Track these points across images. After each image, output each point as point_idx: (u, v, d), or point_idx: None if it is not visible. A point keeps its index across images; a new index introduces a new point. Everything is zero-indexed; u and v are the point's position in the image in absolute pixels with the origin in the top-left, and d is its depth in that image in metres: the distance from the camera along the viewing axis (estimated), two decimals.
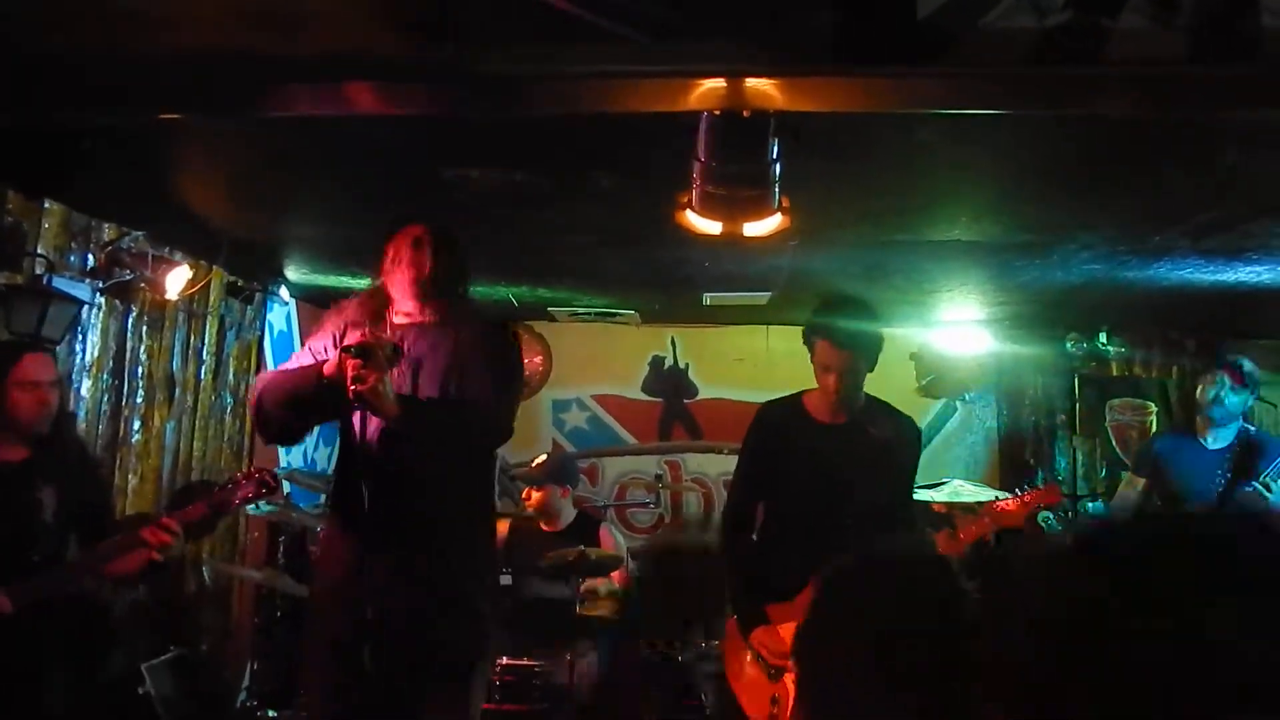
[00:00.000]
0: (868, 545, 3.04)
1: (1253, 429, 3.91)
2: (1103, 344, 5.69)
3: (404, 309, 2.75)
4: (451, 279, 2.76)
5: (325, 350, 2.71)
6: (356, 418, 2.64)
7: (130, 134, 2.91)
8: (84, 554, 2.86)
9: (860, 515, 3.02)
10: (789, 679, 2.96)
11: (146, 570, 2.88)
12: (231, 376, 4.89)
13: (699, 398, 6.24)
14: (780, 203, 2.17)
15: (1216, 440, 3.82)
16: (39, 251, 3.54)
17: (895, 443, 3.13)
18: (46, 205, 3.58)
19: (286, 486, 4.90)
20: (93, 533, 2.90)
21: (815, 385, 3.16)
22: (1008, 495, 3.46)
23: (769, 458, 3.20)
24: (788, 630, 3.01)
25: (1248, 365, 3.86)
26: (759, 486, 3.23)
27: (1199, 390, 3.92)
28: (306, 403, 2.57)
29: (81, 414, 3.83)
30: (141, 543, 2.74)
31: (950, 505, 5.03)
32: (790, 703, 2.96)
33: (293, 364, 2.82)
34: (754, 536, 3.24)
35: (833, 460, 3.06)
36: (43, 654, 2.80)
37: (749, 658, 3.08)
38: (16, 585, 2.64)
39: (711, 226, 2.24)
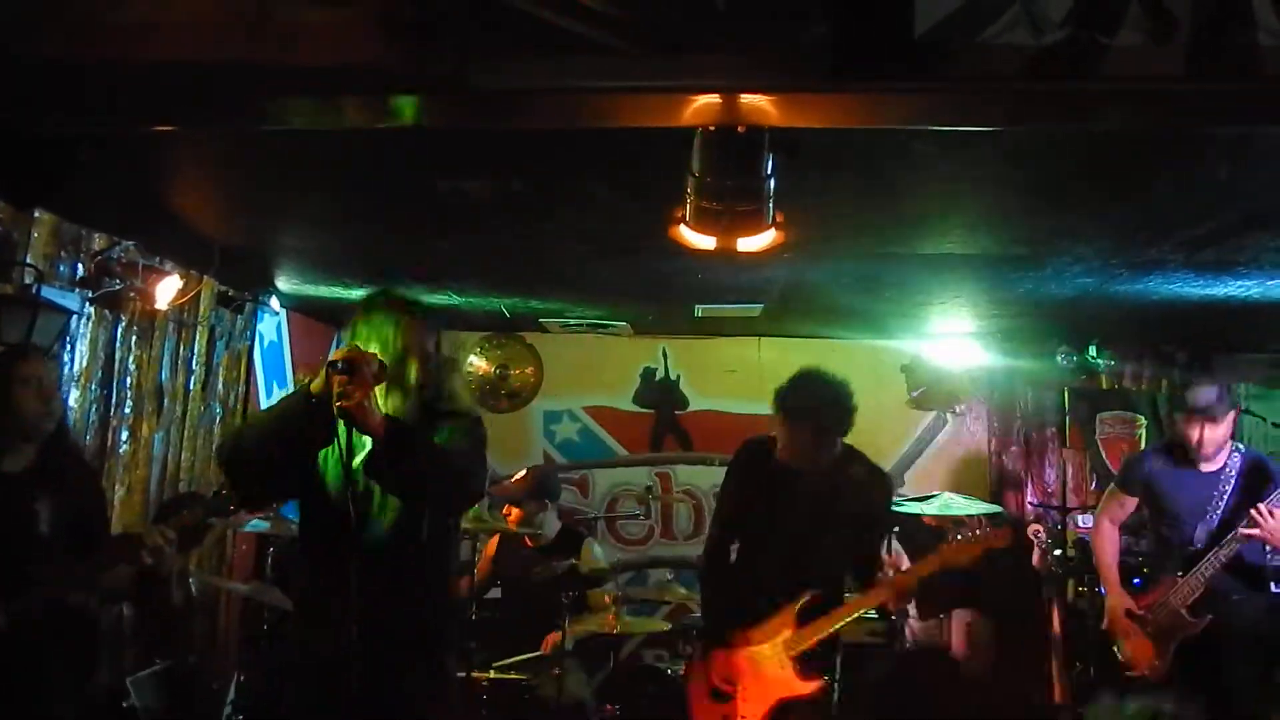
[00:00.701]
0: (828, 589, 3.15)
1: (1244, 448, 3.79)
2: (1093, 357, 5.71)
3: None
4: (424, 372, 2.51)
5: None
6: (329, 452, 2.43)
7: (121, 143, 2.89)
8: (76, 566, 2.82)
9: (824, 557, 3.18)
10: (739, 702, 3.15)
11: (138, 582, 2.85)
12: (221, 387, 4.86)
13: (690, 409, 6.23)
14: (774, 218, 2.17)
15: (1209, 462, 3.69)
16: (28, 261, 3.52)
17: (865, 491, 3.25)
18: (37, 214, 3.56)
19: None
20: (89, 545, 2.87)
21: None
22: (982, 516, 3.49)
23: (741, 497, 3.36)
24: (741, 656, 3.18)
25: (1212, 394, 3.67)
26: (731, 524, 3.39)
27: (1174, 427, 3.81)
28: (291, 426, 2.33)
29: (70, 424, 3.80)
30: (134, 555, 2.71)
31: (940, 518, 5.04)
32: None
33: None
34: (730, 571, 3.37)
35: (801, 504, 3.18)
36: (29, 667, 2.77)
37: (704, 679, 3.26)
38: (10, 599, 2.61)
39: (705, 242, 2.23)
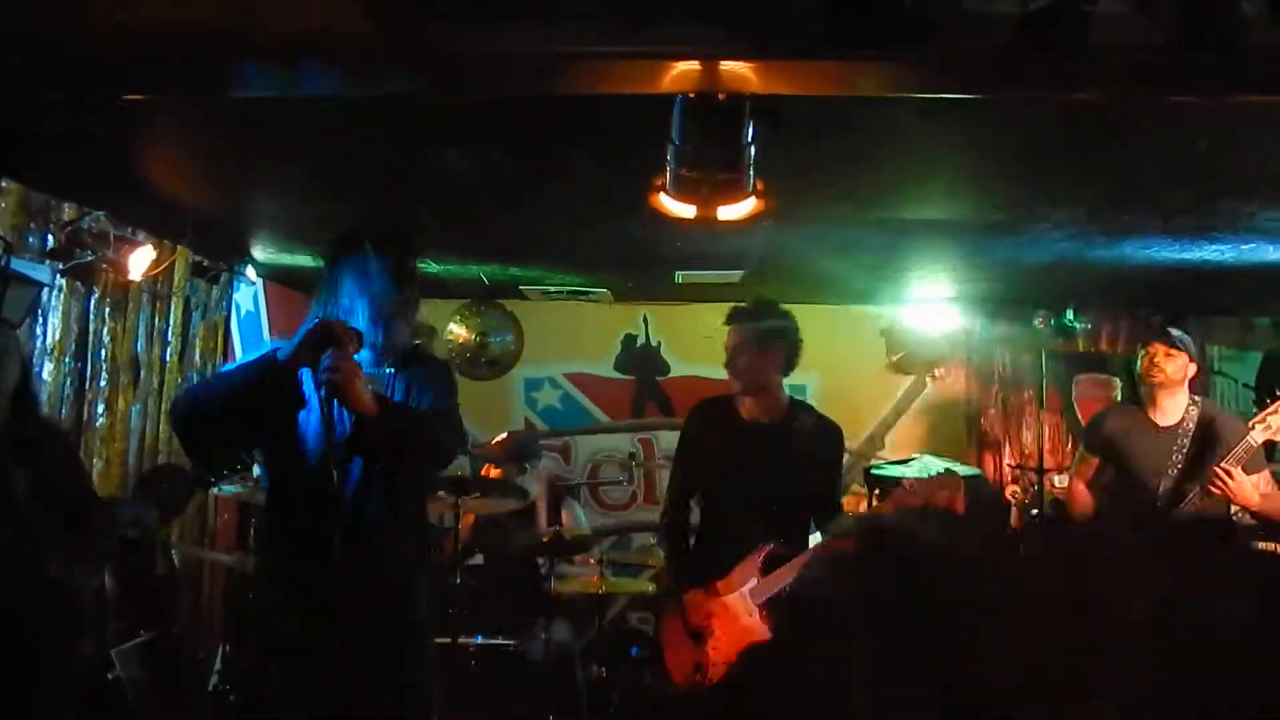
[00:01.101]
0: (791, 537, 3.24)
1: (1201, 401, 3.79)
2: (1070, 321, 5.76)
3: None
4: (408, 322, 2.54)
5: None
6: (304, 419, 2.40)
7: (90, 111, 2.83)
8: (67, 535, 2.80)
9: (785, 509, 3.28)
10: (709, 650, 3.25)
11: (123, 549, 2.84)
12: (198, 358, 4.81)
13: (671, 375, 6.24)
14: (755, 186, 2.16)
15: (1165, 416, 3.73)
16: None
17: (817, 441, 3.36)
18: (3, 184, 3.49)
19: (256, 469, 4.84)
20: (73, 514, 2.85)
21: None
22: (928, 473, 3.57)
23: (699, 453, 3.46)
24: (709, 607, 3.27)
25: (1176, 331, 3.76)
26: (690, 480, 3.48)
27: (1138, 364, 3.85)
28: (255, 395, 2.28)
29: (44, 398, 3.75)
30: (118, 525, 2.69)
31: (919, 480, 5.08)
32: (709, 669, 3.21)
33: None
34: (692, 528, 3.49)
35: (758, 456, 3.29)
36: (11, 639, 2.76)
37: (677, 625, 3.35)
38: None
39: (685, 210, 2.22)
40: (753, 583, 3.25)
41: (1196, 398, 3.79)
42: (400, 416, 2.36)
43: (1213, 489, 3.49)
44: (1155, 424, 3.73)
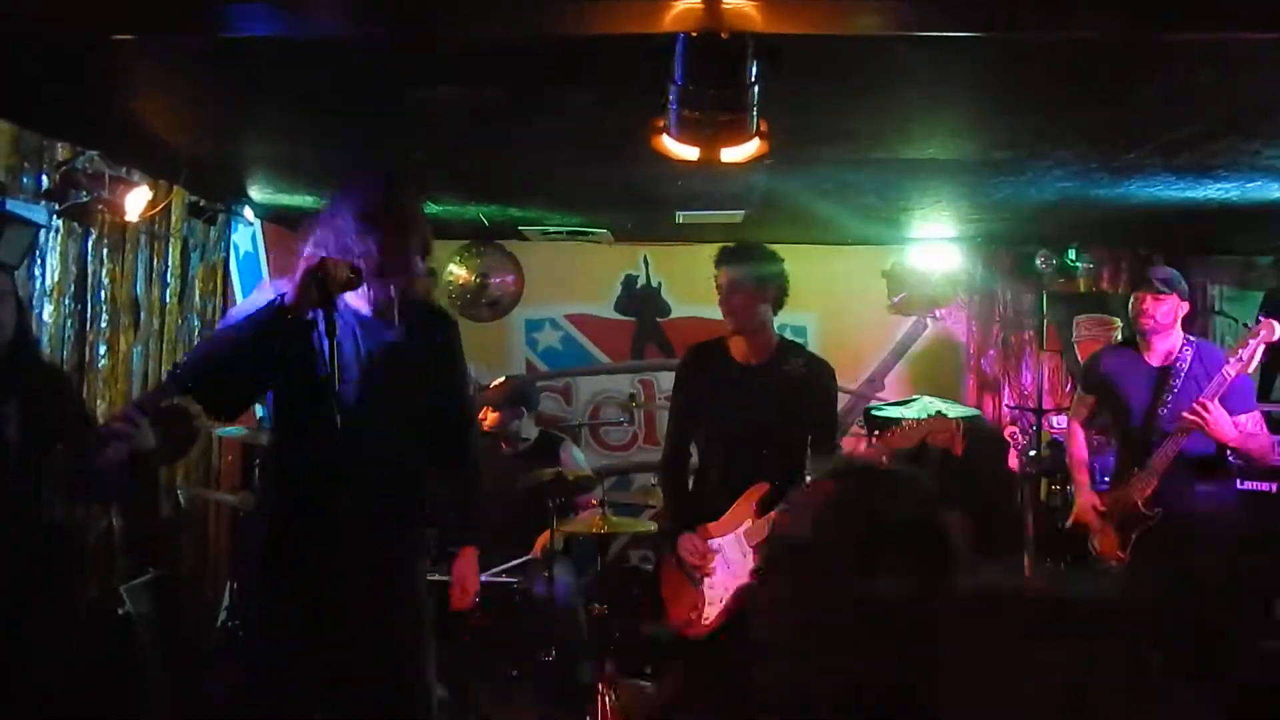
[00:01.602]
0: (786, 478, 3.24)
1: (1195, 340, 3.81)
2: (1071, 260, 5.73)
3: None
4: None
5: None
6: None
7: (80, 49, 2.79)
8: (60, 457, 2.82)
9: (779, 449, 3.29)
10: (705, 589, 3.32)
11: (129, 485, 2.86)
12: (197, 299, 4.81)
13: (672, 316, 6.24)
14: (758, 127, 2.14)
15: (1158, 356, 3.76)
16: None
17: (808, 380, 3.40)
18: None
19: (259, 409, 4.87)
20: (73, 446, 2.88)
21: (786, 310, 3.51)
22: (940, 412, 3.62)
23: (694, 397, 3.51)
24: (706, 549, 3.35)
25: (1163, 273, 3.78)
26: (687, 424, 3.53)
27: (1129, 309, 3.88)
28: (265, 342, 2.27)
29: (45, 340, 3.76)
30: (109, 436, 2.70)
31: (919, 421, 5.12)
32: (705, 609, 3.30)
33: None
34: (690, 472, 3.55)
35: (750, 397, 3.34)
36: (19, 577, 2.80)
37: (674, 567, 3.42)
38: None
39: (688, 152, 2.20)
40: (747, 524, 3.30)
41: (1191, 337, 3.81)
42: None
43: (1189, 421, 3.52)
44: (1148, 364, 3.76)
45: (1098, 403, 4.04)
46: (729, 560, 3.32)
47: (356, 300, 2.49)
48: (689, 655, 3.49)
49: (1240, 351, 3.55)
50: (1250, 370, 3.54)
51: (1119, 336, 5.96)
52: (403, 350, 2.50)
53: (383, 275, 2.42)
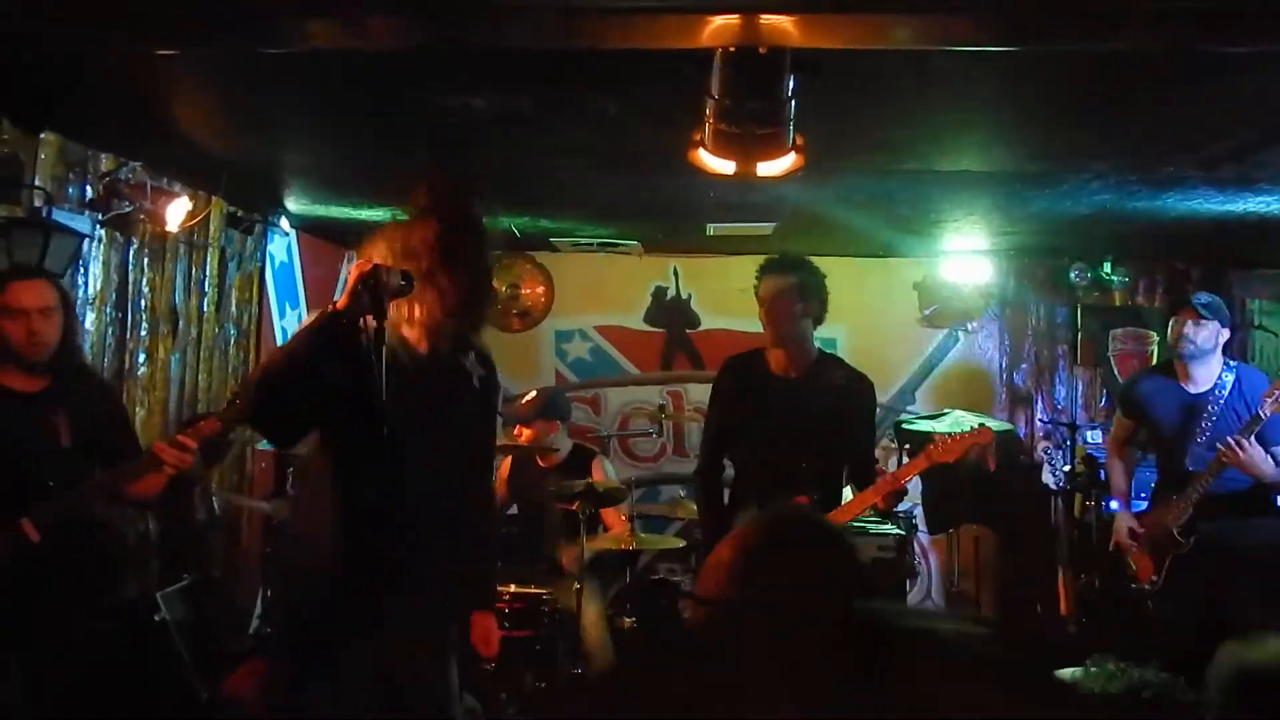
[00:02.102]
0: (824, 492, 3.27)
1: (1236, 364, 3.72)
2: (1106, 274, 5.67)
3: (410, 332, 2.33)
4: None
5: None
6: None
7: (125, 62, 2.84)
8: (102, 477, 2.89)
9: (817, 462, 3.29)
10: None
11: (166, 492, 2.91)
12: (234, 308, 4.88)
13: (701, 328, 6.24)
14: (794, 141, 2.14)
15: (1196, 384, 3.68)
16: (36, 183, 3.50)
17: (847, 394, 3.36)
18: (42, 136, 3.52)
19: None
20: (116, 456, 2.94)
21: None
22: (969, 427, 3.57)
23: (730, 410, 3.47)
24: None
25: (1205, 298, 3.68)
26: (724, 437, 3.49)
27: (1168, 332, 3.80)
28: (325, 352, 2.16)
29: (86, 347, 3.83)
30: (156, 463, 2.75)
31: (951, 435, 5.08)
32: None
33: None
34: (726, 486, 3.50)
35: (787, 410, 3.30)
36: (61, 582, 2.86)
37: None
38: (39, 512, 2.69)
39: (725, 166, 2.20)
40: None
41: (1232, 362, 3.73)
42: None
43: (1224, 459, 3.46)
44: (1185, 391, 3.69)
45: (1136, 426, 3.98)
46: None
47: (412, 333, 2.38)
48: None
49: (1277, 392, 3.45)
50: None
51: (1155, 350, 5.88)
52: (452, 389, 2.42)
53: (454, 316, 2.33)
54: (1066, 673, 2.42)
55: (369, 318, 2.13)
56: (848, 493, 3.58)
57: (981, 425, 3.40)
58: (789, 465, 3.29)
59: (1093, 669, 2.41)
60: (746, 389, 3.44)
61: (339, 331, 2.14)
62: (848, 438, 3.36)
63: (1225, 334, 3.68)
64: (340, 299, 2.16)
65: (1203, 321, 3.60)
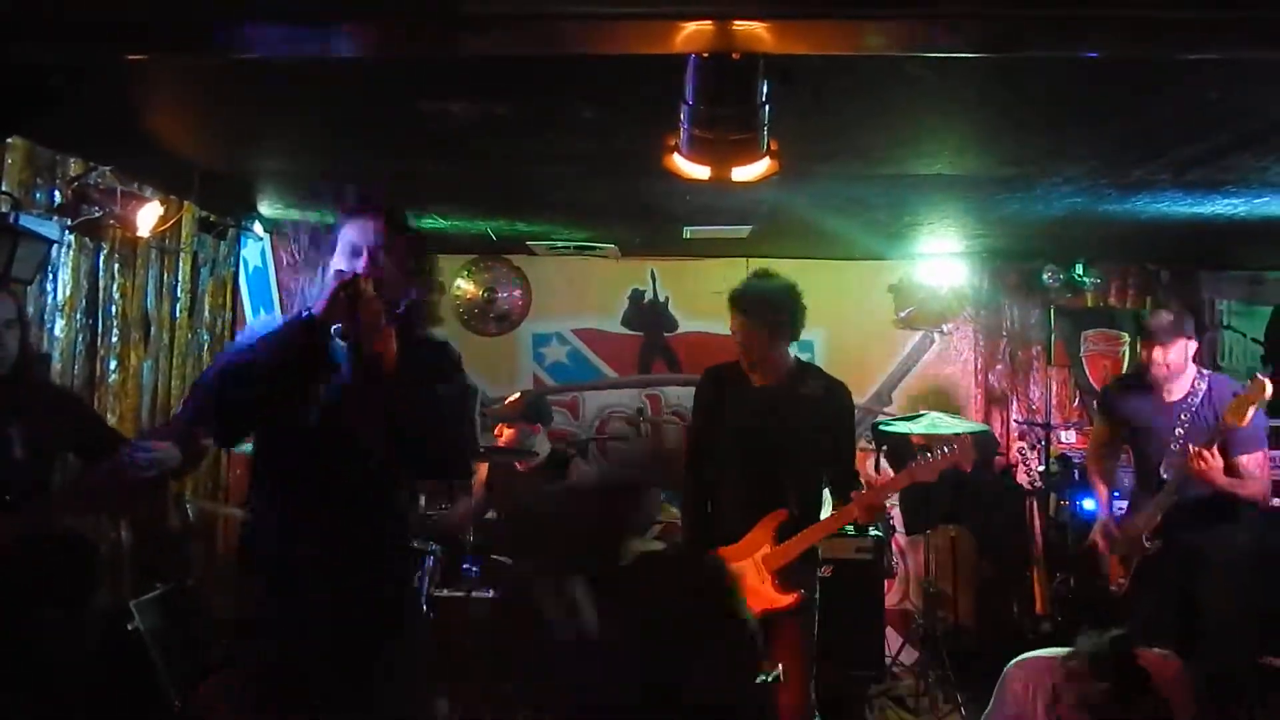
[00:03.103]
0: (804, 501, 3.30)
1: (1208, 374, 3.76)
2: (1079, 275, 5.73)
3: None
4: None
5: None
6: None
7: (94, 67, 2.81)
8: (63, 488, 2.86)
9: (795, 472, 3.30)
10: None
11: (136, 498, 2.88)
12: (207, 314, 4.84)
13: (679, 331, 6.24)
14: (769, 146, 2.14)
15: (1171, 393, 3.71)
16: (3, 189, 3.45)
17: (825, 402, 3.35)
18: (9, 140, 3.48)
19: None
20: (90, 455, 2.90)
21: None
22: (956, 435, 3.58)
23: (709, 420, 3.47)
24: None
25: (1166, 318, 3.69)
26: (706, 446, 3.48)
27: (1140, 353, 3.82)
28: (294, 357, 2.20)
29: (56, 354, 3.79)
30: (121, 468, 2.72)
31: (927, 436, 5.11)
32: None
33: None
34: (707, 496, 3.48)
35: (765, 419, 3.30)
36: (31, 593, 2.82)
37: None
38: None
39: (699, 171, 2.21)
40: (765, 550, 3.27)
41: (1205, 371, 3.78)
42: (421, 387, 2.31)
43: (1191, 468, 3.50)
44: (1161, 399, 3.73)
45: (1114, 431, 4.02)
46: (747, 585, 3.25)
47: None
48: None
49: (1237, 406, 3.48)
50: (1245, 422, 3.48)
51: (1126, 352, 5.95)
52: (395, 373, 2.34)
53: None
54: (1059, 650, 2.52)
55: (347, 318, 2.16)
56: (828, 499, 3.59)
57: (959, 441, 3.39)
58: (768, 475, 3.30)
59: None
60: (724, 400, 3.43)
61: (314, 340, 2.17)
62: (827, 446, 3.35)
63: (1193, 345, 3.72)
64: (316, 306, 2.18)
65: (1169, 344, 3.64)
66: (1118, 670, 2.27)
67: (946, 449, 3.33)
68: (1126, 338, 5.96)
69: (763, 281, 3.40)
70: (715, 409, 3.46)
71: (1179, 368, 3.67)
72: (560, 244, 5.83)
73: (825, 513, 3.42)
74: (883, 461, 5.32)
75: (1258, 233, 4.78)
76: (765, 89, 2.01)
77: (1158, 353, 3.66)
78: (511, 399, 4.77)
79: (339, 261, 2.32)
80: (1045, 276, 5.75)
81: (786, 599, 3.23)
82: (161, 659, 3.81)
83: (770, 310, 3.31)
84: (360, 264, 2.28)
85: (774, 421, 3.30)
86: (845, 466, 3.41)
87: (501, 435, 4.62)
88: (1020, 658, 2.62)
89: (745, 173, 2.21)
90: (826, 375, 3.48)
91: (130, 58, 2.49)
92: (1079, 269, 5.70)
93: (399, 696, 2.47)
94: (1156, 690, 2.27)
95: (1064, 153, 3.62)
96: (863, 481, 3.47)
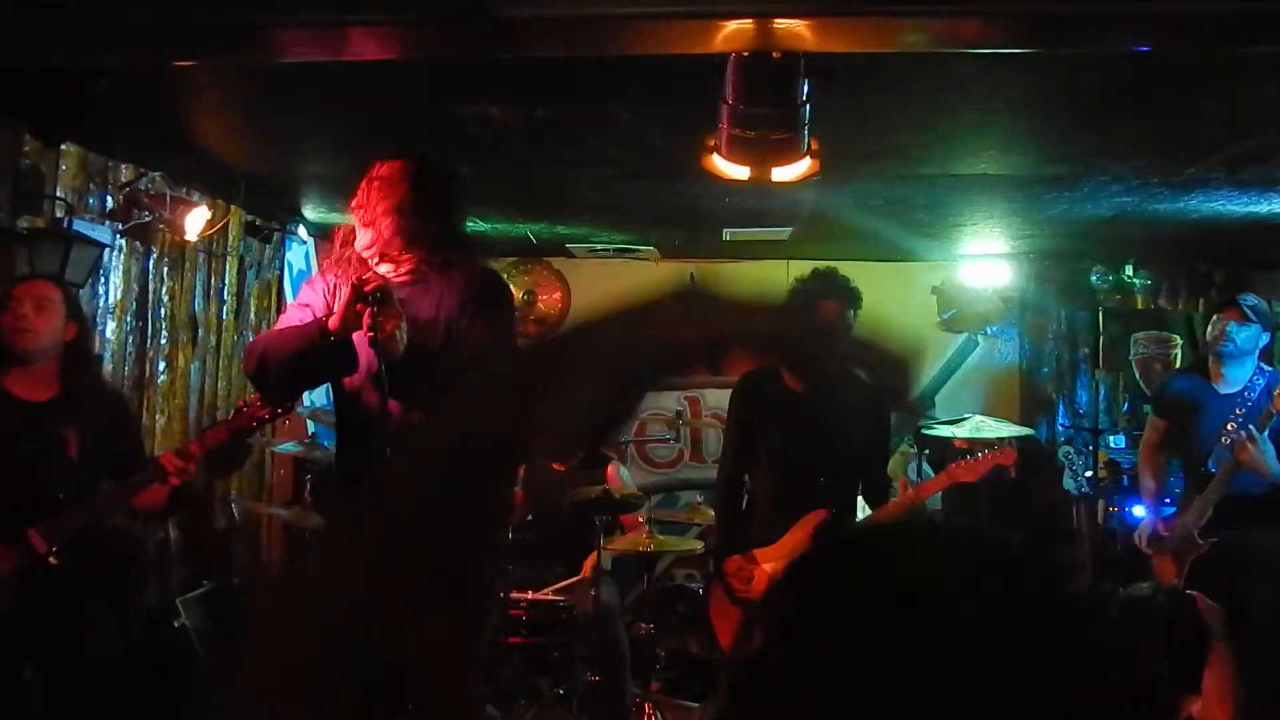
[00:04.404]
0: (841, 503, 3.25)
1: (1270, 370, 3.69)
2: (1128, 276, 5.61)
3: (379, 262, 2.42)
4: (432, 225, 2.42)
5: (319, 309, 2.47)
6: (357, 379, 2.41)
7: (143, 74, 2.87)
8: (109, 489, 2.90)
9: (832, 475, 3.28)
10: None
11: (172, 502, 2.93)
12: (253, 316, 4.91)
13: None
14: (809, 145, 2.12)
15: (1228, 384, 3.65)
16: (57, 194, 3.53)
17: (865, 404, 3.26)
18: (63, 147, 3.56)
19: (311, 426, 4.95)
20: (123, 470, 2.94)
21: None
22: (997, 442, 3.52)
23: (747, 424, 3.45)
24: (758, 575, 3.25)
25: (1252, 299, 3.65)
26: (743, 452, 3.46)
27: (1208, 329, 3.77)
28: (309, 361, 2.34)
29: (107, 356, 3.86)
30: (162, 473, 2.77)
31: (971, 440, 5.03)
32: (756, 635, 3.13)
33: (283, 321, 2.59)
34: (743, 498, 3.47)
35: (804, 424, 3.26)
36: (81, 591, 2.87)
37: (721, 593, 3.36)
38: (47, 524, 2.70)
39: (739, 172, 2.19)
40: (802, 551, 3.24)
41: (1265, 366, 3.69)
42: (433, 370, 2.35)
43: (1240, 456, 3.42)
44: (1216, 391, 3.65)
45: (1169, 427, 3.94)
46: None
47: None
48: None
49: None
50: None
51: (1178, 354, 5.80)
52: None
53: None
54: None
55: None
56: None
57: (1005, 444, 3.34)
58: (805, 478, 3.29)
59: None
60: (762, 403, 3.40)
61: (325, 347, 2.27)
62: (862, 450, 3.33)
63: (1265, 338, 3.65)
64: (332, 320, 2.25)
65: (1247, 322, 3.58)
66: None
67: (987, 450, 3.28)
68: (1178, 340, 5.81)
69: (831, 273, 3.42)
70: (751, 413, 3.44)
71: (1247, 350, 3.60)
72: (600, 246, 5.83)
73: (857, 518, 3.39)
74: (925, 466, 5.24)
75: None
76: (806, 88, 1.99)
77: (1233, 326, 3.58)
78: None
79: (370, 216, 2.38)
80: (1094, 278, 5.63)
81: None
82: (207, 656, 3.87)
83: (845, 297, 3.33)
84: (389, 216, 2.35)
85: (814, 425, 3.27)
86: (879, 471, 3.40)
87: None
88: None
89: (785, 173, 2.19)
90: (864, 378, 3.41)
91: (177, 64, 2.53)
92: (1129, 270, 5.58)
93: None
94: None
95: (1112, 151, 3.55)
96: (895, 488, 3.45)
